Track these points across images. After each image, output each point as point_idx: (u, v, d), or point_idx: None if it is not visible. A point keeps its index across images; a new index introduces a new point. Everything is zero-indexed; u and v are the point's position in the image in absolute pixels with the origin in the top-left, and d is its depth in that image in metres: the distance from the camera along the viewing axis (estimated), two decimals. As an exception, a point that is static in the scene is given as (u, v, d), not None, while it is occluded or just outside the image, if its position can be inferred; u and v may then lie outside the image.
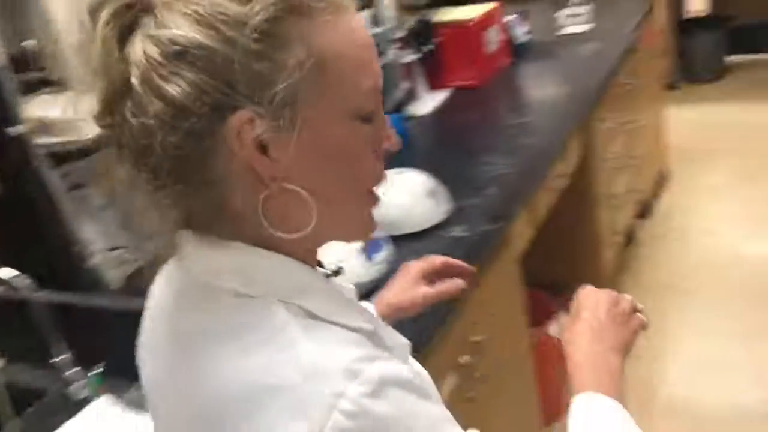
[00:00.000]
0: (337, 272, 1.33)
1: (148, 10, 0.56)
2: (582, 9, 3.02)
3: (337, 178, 0.61)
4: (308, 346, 0.56)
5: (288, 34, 0.56)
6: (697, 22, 4.99)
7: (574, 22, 3.02)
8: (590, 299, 0.88)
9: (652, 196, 3.40)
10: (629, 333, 0.86)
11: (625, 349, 0.84)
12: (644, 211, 3.29)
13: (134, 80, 0.54)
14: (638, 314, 0.89)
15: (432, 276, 0.99)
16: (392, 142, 0.65)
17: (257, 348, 0.56)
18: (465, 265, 1.02)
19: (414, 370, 0.59)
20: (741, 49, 4.96)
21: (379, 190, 0.66)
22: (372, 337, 0.62)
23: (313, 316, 0.59)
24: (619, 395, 0.78)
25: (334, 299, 0.64)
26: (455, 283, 0.97)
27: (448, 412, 0.59)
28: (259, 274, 0.61)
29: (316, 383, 0.53)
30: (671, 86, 4.61)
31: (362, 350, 0.56)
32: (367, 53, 0.61)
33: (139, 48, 0.55)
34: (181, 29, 0.54)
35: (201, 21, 0.54)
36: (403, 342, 0.69)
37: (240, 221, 0.60)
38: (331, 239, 0.66)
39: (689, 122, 4.17)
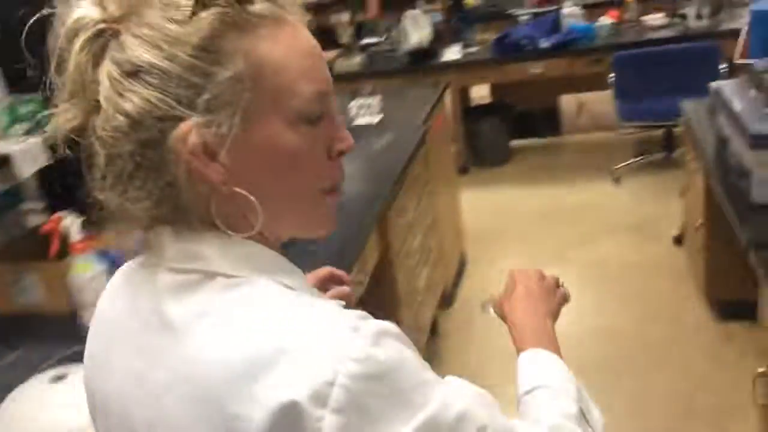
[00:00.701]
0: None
1: (116, 36, 0.62)
2: (372, 100, 2.98)
3: (286, 179, 0.65)
4: (308, 311, 0.62)
5: (226, 48, 0.61)
6: (482, 110, 5.27)
7: (365, 113, 2.96)
8: (522, 276, 1.01)
9: (452, 284, 3.39)
10: (555, 303, 0.99)
11: (554, 315, 0.97)
12: (446, 301, 3.26)
13: (101, 98, 0.61)
14: (561, 288, 1.03)
15: (322, 286, 1.06)
16: (346, 143, 0.69)
17: (261, 317, 0.61)
18: (346, 275, 1.11)
19: None
20: (522, 134, 5.30)
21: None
22: None
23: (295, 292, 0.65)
24: (557, 351, 0.89)
25: (304, 281, 0.71)
26: (347, 293, 1.06)
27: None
28: (242, 258, 0.65)
29: (325, 339, 0.58)
30: (463, 170, 4.78)
31: (353, 312, 0.62)
32: (309, 61, 0.66)
33: (105, 69, 0.61)
34: (136, 51, 0.60)
35: (150, 42, 0.60)
36: None
37: (209, 219, 0.65)
38: (291, 235, 0.71)
39: (482, 206, 4.31)
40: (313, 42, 0.67)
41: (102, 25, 0.62)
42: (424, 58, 4.59)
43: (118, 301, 0.72)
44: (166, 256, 0.66)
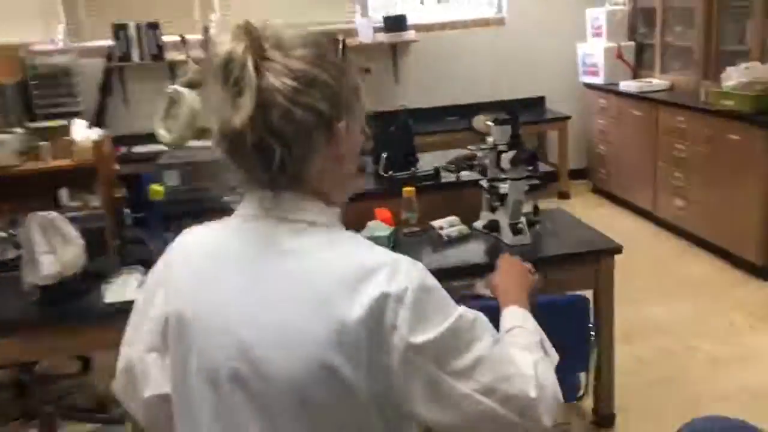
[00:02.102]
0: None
1: (263, 58, 0.95)
2: None
3: (354, 163, 1.08)
4: (381, 247, 1.02)
5: (354, 79, 1.05)
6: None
7: None
8: (505, 261, 1.54)
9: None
10: (528, 280, 1.49)
11: (527, 289, 1.44)
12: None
13: (281, 99, 0.94)
14: (535, 275, 1.54)
15: None
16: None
17: (354, 248, 1.01)
18: None
19: None
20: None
21: None
22: None
23: None
24: (527, 309, 1.31)
25: None
26: None
27: None
28: (332, 216, 1.05)
29: (401, 262, 0.98)
30: None
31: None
32: None
33: (277, 81, 0.94)
34: (308, 68, 0.96)
35: (319, 65, 0.98)
36: None
37: (314, 189, 1.03)
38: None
39: None
40: None
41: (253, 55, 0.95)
42: (69, 298, 2.38)
43: (227, 243, 1.04)
44: (282, 210, 1.01)
